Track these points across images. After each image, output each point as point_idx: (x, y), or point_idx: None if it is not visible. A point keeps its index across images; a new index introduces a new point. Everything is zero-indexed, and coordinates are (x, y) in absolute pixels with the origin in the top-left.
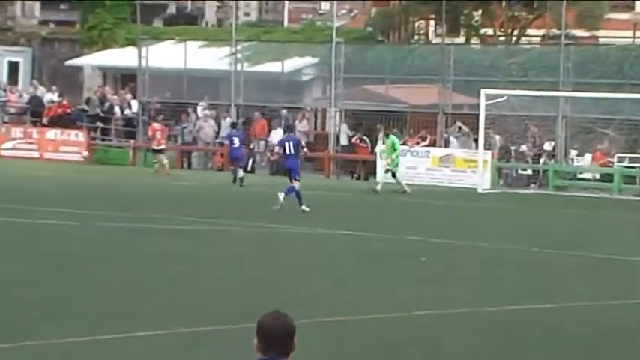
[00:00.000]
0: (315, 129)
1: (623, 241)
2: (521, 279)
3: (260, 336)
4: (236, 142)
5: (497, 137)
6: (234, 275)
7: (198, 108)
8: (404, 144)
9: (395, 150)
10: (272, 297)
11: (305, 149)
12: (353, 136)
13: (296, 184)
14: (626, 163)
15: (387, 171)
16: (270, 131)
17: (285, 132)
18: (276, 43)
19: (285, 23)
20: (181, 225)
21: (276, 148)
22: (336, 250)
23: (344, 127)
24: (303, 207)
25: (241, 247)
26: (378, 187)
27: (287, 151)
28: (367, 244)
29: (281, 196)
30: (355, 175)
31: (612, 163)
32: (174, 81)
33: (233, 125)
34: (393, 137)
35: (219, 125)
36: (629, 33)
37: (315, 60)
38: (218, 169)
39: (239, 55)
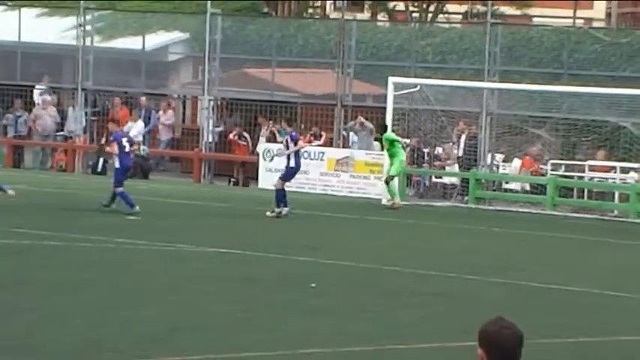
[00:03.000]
0: (184, 122)
1: (558, 266)
2: (434, 312)
3: (491, 348)
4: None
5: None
6: (68, 305)
7: (35, 92)
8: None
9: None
10: (117, 332)
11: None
12: (230, 131)
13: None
14: (561, 172)
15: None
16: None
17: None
18: (136, 13)
19: None
20: (9, 239)
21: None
22: (203, 274)
23: (213, 121)
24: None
25: (81, 267)
26: (385, 201)
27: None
28: (243, 266)
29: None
30: (232, 180)
31: (545, 171)
32: (4, 58)
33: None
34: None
35: (62, 114)
36: (569, 12)
37: (185, 36)
38: (60, 169)
39: (88, 27)
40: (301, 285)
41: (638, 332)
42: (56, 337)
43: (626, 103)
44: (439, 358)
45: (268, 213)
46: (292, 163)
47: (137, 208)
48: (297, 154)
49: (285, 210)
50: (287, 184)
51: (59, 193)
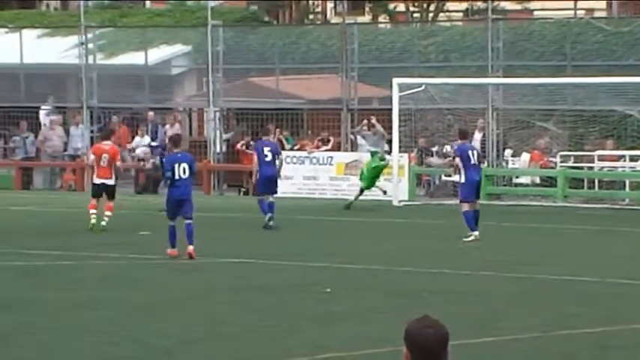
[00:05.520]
0: (191, 134)
1: (571, 258)
2: (453, 310)
3: (413, 347)
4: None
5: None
6: (80, 323)
7: (41, 113)
8: (301, 149)
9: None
10: (130, 348)
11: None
12: (238, 141)
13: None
14: (571, 163)
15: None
16: (133, 138)
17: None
18: (137, 28)
19: (148, 3)
20: (19, 260)
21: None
22: (218, 285)
23: (221, 131)
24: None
25: (94, 284)
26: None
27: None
28: (259, 275)
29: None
30: (242, 190)
31: (554, 163)
32: (8, 80)
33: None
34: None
35: (67, 133)
36: (570, 4)
37: (187, 48)
38: (69, 188)
39: (90, 46)
40: (315, 291)
41: None
42: (69, 356)
43: (631, 91)
44: (456, 355)
45: (464, 239)
46: (462, 179)
47: None
48: (468, 166)
49: (474, 234)
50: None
51: (69, 213)
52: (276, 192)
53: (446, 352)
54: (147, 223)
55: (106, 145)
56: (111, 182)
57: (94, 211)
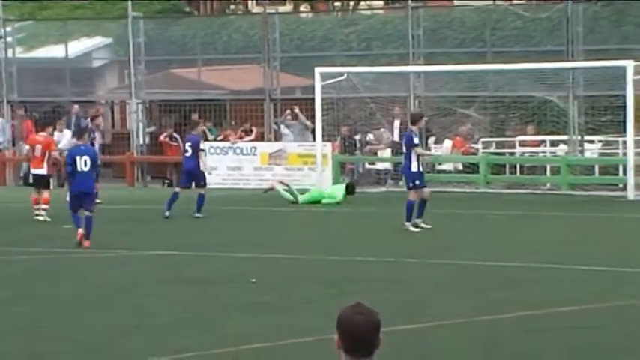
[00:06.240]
0: (113, 127)
1: (495, 243)
2: (376, 297)
3: (345, 334)
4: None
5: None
6: (10, 319)
7: None
8: (224, 139)
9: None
10: (59, 342)
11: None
12: (160, 133)
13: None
14: (492, 149)
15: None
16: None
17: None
18: (57, 21)
19: None
20: None
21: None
22: (145, 277)
23: (144, 123)
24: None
25: (20, 279)
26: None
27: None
28: (186, 267)
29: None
30: (166, 182)
31: (476, 149)
32: None
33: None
34: None
35: None
36: None
37: (108, 40)
38: None
39: (9, 39)
40: (242, 282)
41: (577, 302)
42: (1, 354)
43: (550, 77)
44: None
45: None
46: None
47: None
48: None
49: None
50: None
51: None
52: (200, 185)
53: (378, 339)
54: (69, 217)
55: (41, 136)
56: (42, 172)
57: (37, 206)
